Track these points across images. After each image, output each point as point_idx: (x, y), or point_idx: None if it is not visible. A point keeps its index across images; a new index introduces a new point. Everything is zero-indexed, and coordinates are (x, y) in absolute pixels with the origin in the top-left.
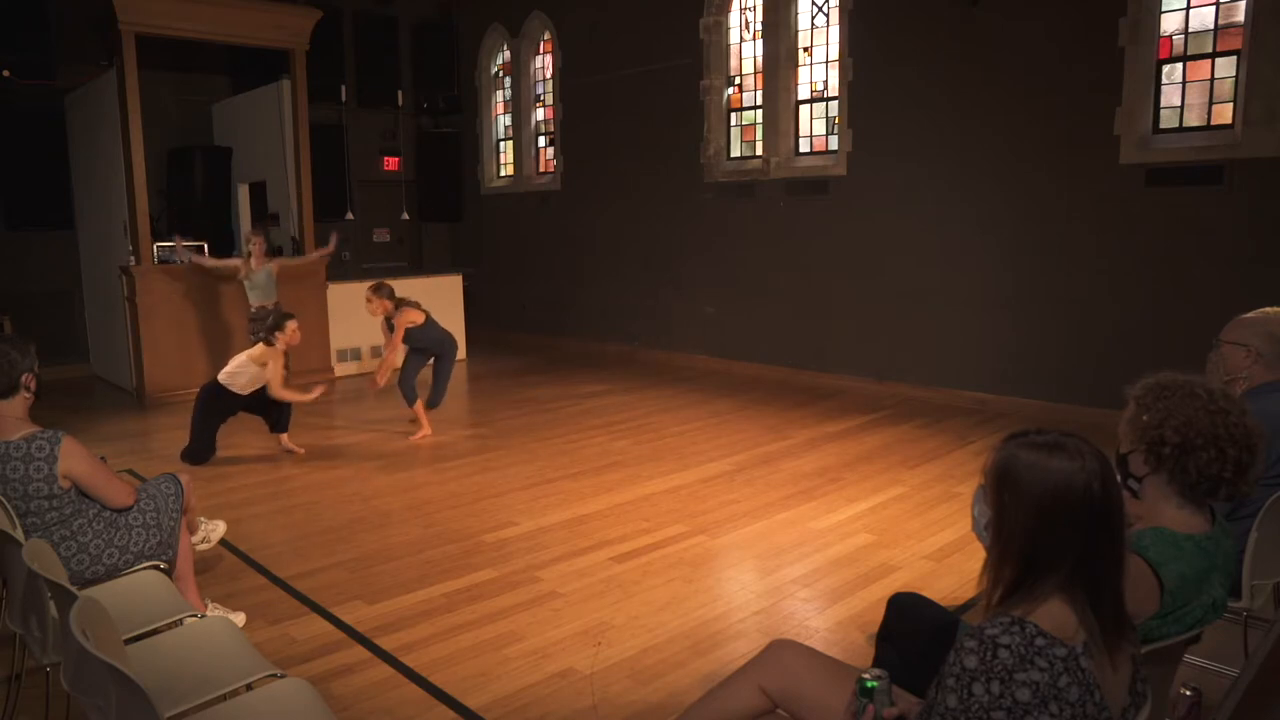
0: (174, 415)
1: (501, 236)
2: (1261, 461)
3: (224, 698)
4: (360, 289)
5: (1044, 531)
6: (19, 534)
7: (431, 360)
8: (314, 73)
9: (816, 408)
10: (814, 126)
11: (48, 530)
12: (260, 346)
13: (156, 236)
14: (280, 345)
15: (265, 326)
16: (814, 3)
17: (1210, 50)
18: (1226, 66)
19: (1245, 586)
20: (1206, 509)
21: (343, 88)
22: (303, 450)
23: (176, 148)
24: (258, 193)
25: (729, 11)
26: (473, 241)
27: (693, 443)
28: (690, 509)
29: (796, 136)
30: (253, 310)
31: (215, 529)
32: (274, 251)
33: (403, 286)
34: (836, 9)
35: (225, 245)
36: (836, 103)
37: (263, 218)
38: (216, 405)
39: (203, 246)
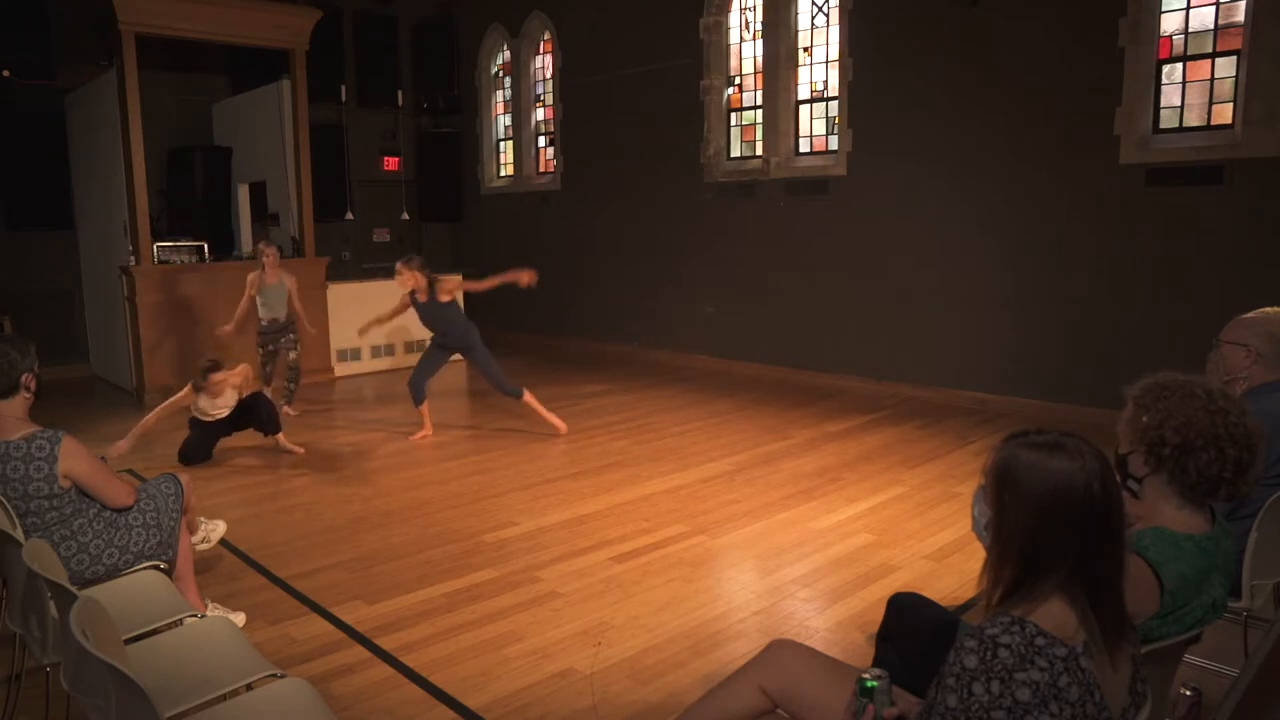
0: (174, 415)
1: (501, 236)
2: (1261, 461)
3: (224, 698)
4: (360, 289)
5: (1044, 531)
6: (19, 534)
7: (452, 359)
8: (314, 73)
9: (816, 408)
10: (814, 126)
11: (48, 530)
12: (188, 388)
13: (156, 236)
14: (207, 391)
15: (202, 369)
16: (814, 3)
17: (1210, 50)
18: (1226, 66)
19: (1245, 586)
20: (1206, 509)
21: (343, 88)
22: (302, 450)
23: (176, 148)
24: (258, 193)
25: (729, 11)
26: (473, 241)
27: (693, 443)
28: (690, 509)
29: (796, 136)
30: (263, 324)
31: (215, 529)
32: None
33: None
34: (836, 9)
35: (225, 245)
36: (836, 103)
37: (263, 218)
38: (206, 429)
39: (203, 246)
